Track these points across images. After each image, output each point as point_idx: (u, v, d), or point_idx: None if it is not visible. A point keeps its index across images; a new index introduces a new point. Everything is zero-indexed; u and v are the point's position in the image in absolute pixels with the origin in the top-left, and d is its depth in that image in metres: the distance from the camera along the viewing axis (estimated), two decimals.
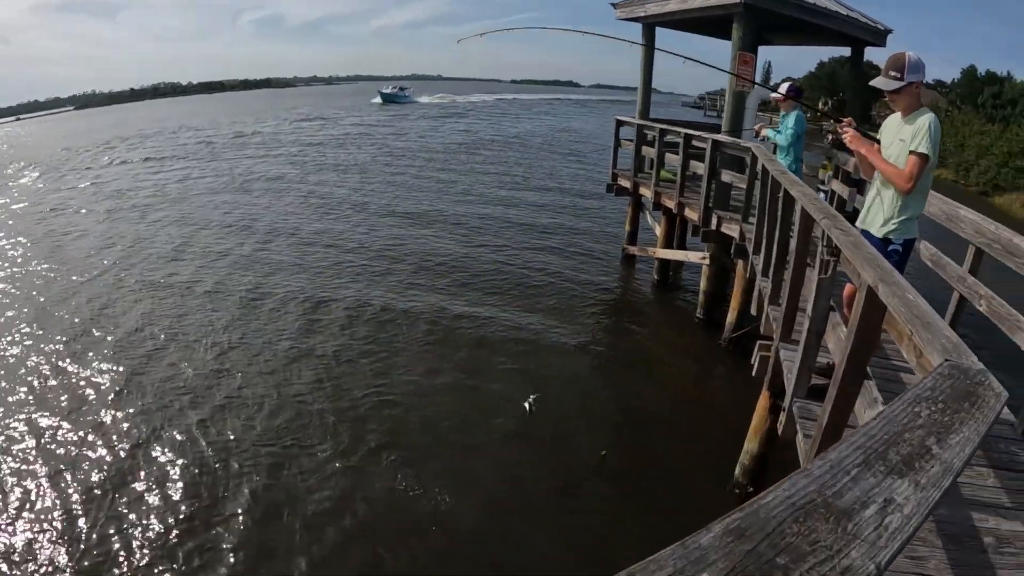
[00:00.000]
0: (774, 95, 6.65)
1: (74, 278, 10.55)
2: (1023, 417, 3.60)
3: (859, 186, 7.50)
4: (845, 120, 3.77)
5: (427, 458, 5.81)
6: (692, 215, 8.99)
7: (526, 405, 6.58)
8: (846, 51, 10.49)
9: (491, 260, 11.66)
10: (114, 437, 6.11)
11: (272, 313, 9.00)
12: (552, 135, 37.72)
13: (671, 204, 9.61)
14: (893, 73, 3.33)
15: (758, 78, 15.98)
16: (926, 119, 3.31)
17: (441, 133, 35.01)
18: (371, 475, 5.57)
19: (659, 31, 11.28)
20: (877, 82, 3.41)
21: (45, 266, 11.32)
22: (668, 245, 10.59)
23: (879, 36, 9.63)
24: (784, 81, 6.81)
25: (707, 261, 8.85)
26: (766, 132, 7.05)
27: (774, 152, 6.91)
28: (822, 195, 8.75)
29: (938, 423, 1.25)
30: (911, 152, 3.32)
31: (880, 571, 0.81)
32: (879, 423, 1.20)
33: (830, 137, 4.14)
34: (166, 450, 5.89)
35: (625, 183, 11.25)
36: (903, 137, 3.42)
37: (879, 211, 3.56)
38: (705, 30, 11.90)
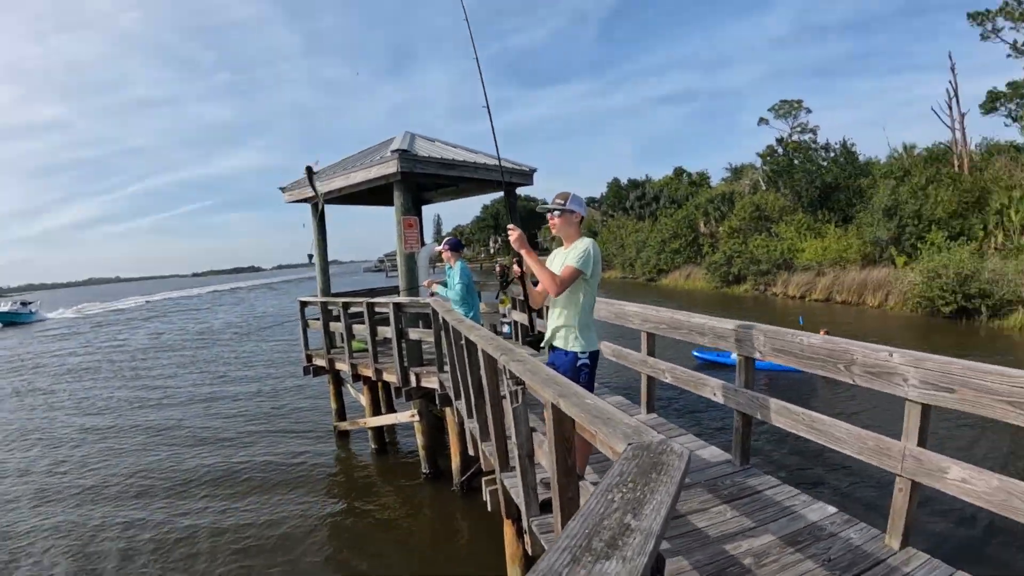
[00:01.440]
0: (438, 248, 7.30)
1: None
2: (734, 451, 4.30)
3: (538, 311, 8.55)
4: (511, 228, 4.00)
5: None
6: (391, 378, 9.21)
7: None
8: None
9: (197, 466, 10.41)
10: None
11: None
12: (241, 322, 36.21)
13: (369, 372, 9.76)
14: (559, 201, 3.89)
15: (429, 232, 17.47)
16: (585, 242, 3.83)
17: (101, 350, 30.98)
18: None
19: (329, 207, 11.76)
20: (546, 205, 3.91)
21: None
22: (376, 412, 10.62)
23: (526, 176, 11.20)
24: (448, 235, 7.56)
25: (417, 418, 9.06)
26: (436, 289, 7.59)
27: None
28: (507, 327, 9.67)
29: (631, 500, 1.43)
30: (567, 264, 3.79)
31: None
32: (578, 522, 1.36)
33: (497, 268, 4.50)
34: None
35: (320, 362, 11.17)
36: (566, 261, 3.85)
37: (561, 330, 3.96)
38: (370, 200, 12.74)
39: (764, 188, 31.07)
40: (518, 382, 3.53)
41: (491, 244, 73.74)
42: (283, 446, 11.38)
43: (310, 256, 11.74)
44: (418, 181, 9.73)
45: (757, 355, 4.02)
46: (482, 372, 4.59)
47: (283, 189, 11.67)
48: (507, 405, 3.92)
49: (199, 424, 13.56)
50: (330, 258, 11.89)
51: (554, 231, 3.97)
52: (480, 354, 4.50)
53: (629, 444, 1.86)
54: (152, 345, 30.14)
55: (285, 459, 10.65)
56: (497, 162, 10.76)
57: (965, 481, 2.76)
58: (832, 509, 3.57)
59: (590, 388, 3.89)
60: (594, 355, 3.94)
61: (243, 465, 10.41)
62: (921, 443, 2.99)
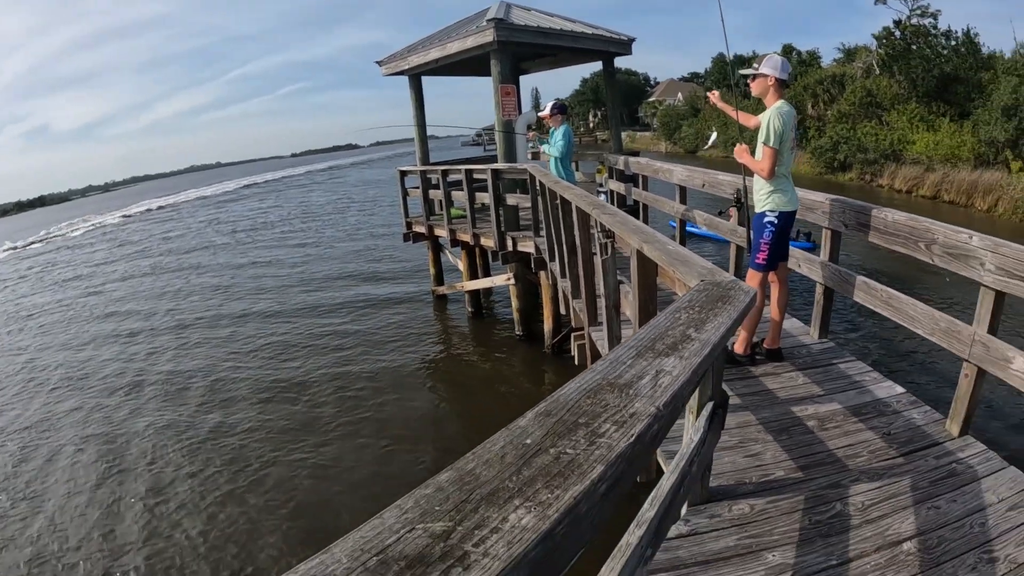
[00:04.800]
0: (542, 114, 7.36)
1: None
2: (813, 323, 4.36)
3: (634, 181, 8.50)
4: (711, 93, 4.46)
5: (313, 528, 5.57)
6: (488, 243, 9.45)
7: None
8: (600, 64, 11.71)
9: (308, 328, 11.40)
10: None
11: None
12: (339, 200, 37.89)
13: (467, 238, 10.04)
14: (754, 64, 3.86)
15: (528, 104, 17.21)
16: (766, 113, 3.76)
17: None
18: None
19: (426, 79, 11.79)
20: (744, 71, 3.95)
21: None
22: (473, 276, 11.00)
23: (624, 46, 10.80)
24: (551, 102, 7.57)
25: (512, 281, 9.36)
26: (542, 148, 7.77)
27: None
28: (603, 196, 9.68)
29: (696, 319, 1.60)
30: (762, 147, 3.77)
31: (660, 411, 1.06)
32: (645, 330, 1.51)
33: (731, 211, 4.74)
34: None
35: (420, 229, 11.53)
36: (759, 141, 3.84)
37: (755, 193, 3.99)
38: (467, 71, 12.63)
39: (877, 73, 28.29)
40: (608, 234, 3.60)
41: (591, 118, 71.42)
42: (383, 309, 12.18)
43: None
44: (515, 51, 9.56)
45: (843, 229, 3.96)
46: (576, 230, 4.68)
47: (380, 63, 11.65)
48: (598, 261, 4.00)
49: (301, 292, 14.87)
50: (427, 133, 12.03)
51: (753, 93, 3.95)
52: (574, 211, 4.57)
53: (702, 280, 2.01)
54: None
55: (387, 320, 11.46)
56: (594, 31, 10.43)
57: None
58: (900, 389, 3.57)
59: (772, 246, 3.87)
60: (784, 215, 3.89)
61: (342, 331, 11.19)
62: (992, 331, 2.88)
